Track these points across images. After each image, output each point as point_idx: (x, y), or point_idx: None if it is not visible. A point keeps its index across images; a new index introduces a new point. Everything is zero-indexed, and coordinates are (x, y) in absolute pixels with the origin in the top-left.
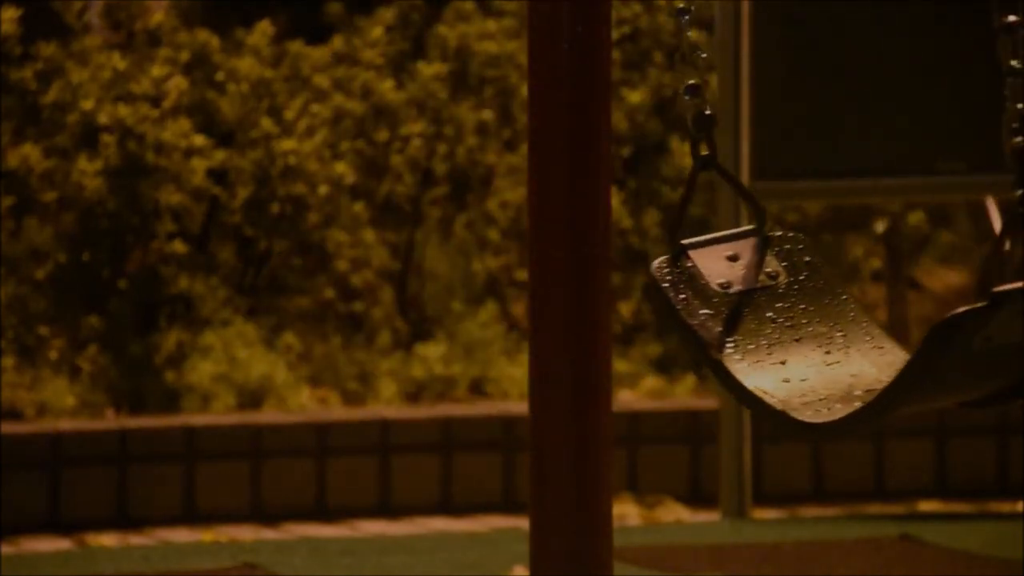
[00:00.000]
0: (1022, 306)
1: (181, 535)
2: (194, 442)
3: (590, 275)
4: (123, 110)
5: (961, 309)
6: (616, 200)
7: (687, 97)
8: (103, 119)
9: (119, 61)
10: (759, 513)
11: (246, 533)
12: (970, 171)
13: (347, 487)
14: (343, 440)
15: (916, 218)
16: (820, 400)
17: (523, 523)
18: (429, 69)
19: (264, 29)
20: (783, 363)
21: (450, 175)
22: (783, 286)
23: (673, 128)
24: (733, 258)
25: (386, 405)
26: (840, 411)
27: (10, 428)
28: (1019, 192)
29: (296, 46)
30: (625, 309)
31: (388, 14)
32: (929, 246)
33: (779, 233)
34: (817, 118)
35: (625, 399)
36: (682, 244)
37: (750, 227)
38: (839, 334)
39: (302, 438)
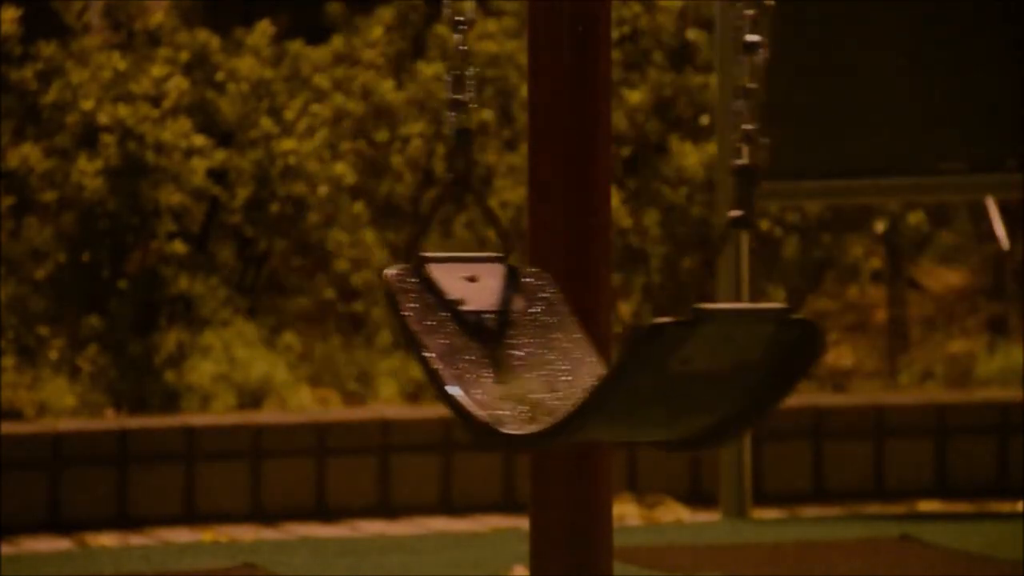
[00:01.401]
0: (723, 328)
1: (181, 535)
2: (194, 442)
3: (590, 275)
4: (123, 110)
5: (660, 320)
6: (616, 200)
7: (451, 114)
8: (103, 119)
9: (119, 61)
10: (759, 513)
11: (246, 533)
12: (970, 171)
13: (347, 487)
14: (343, 440)
15: (916, 218)
16: (529, 418)
17: (523, 523)
18: (429, 69)
19: (264, 29)
20: (501, 383)
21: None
22: (516, 314)
23: (673, 128)
24: (471, 279)
25: (386, 405)
26: (543, 424)
27: (10, 428)
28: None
29: (296, 46)
30: (625, 309)
31: (388, 14)
32: (929, 246)
33: (523, 266)
34: (818, 118)
35: None
36: (422, 257)
37: (496, 254)
38: (563, 367)
39: (302, 438)
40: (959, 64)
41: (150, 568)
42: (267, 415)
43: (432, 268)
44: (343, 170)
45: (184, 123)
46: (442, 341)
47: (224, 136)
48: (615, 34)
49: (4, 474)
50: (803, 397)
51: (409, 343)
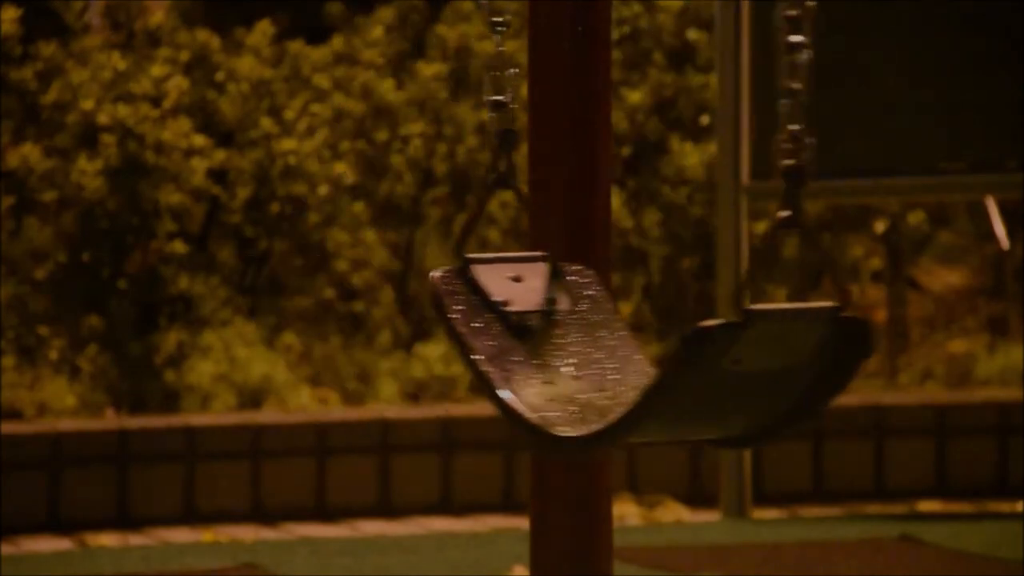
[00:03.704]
0: (773, 329)
1: (181, 535)
2: (194, 442)
3: None
4: (123, 110)
5: (712, 322)
6: (616, 200)
7: (492, 113)
8: (103, 119)
9: (119, 61)
10: (759, 513)
11: (246, 533)
12: (970, 171)
13: (347, 487)
14: (343, 440)
15: (916, 218)
16: (579, 419)
17: (523, 523)
18: (429, 69)
19: (264, 29)
20: (549, 383)
21: (450, 175)
22: (562, 314)
23: (673, 128)
24: (516, 279)
25: (386, 405)
26: (595, 426)
27: (10, 428)
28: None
29: (296, 46)
30: (625, 309)
31: (388, 14)
32: (929, 246)
33: (566, 264)
34: (817, 118)
35: None
36: (466, 258)
37: (539, 253)
38: (611, 366)
39: (302, 438)
40: (959, 64)
41: (150, 568)
42: (267, 415)
43: (477, 269)
44: (343, 170)
45: (184, 123)
46: (489, 343)
47: (224, 136)
48: (615, 34)
49: (4, 474)
50: None
51: (457, 346)
